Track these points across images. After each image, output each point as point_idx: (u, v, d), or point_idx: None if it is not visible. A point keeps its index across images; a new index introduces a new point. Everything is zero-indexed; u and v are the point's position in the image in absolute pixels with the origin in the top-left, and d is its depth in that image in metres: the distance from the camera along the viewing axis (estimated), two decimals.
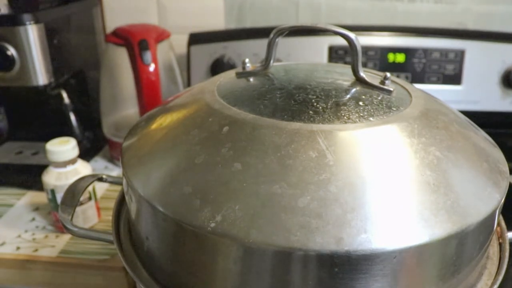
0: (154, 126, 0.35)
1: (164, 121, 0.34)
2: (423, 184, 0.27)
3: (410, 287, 0.26)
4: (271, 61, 0.38)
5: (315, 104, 0.32)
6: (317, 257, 0.24)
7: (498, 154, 0.33)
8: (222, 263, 0.26)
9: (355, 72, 0.36)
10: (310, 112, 0.31)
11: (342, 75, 0.38)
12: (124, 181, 0.33)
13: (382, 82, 0.35)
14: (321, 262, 0.24)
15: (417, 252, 0.25)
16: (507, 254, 0.33)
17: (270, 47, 0.37)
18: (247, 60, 0.38)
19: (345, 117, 0.30)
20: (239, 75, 0.38)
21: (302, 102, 0.32)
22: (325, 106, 0.31)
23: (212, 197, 0.26)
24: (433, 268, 0.26)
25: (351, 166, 0.27)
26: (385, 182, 0.26)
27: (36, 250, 0.55)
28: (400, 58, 0.72)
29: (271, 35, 0.36)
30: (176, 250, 0.29)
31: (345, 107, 0.31)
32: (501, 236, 0.35)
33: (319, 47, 0.72)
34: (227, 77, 0.39)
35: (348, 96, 0.34)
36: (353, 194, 0.25)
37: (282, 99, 0.33)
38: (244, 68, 0.38)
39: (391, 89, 0.34)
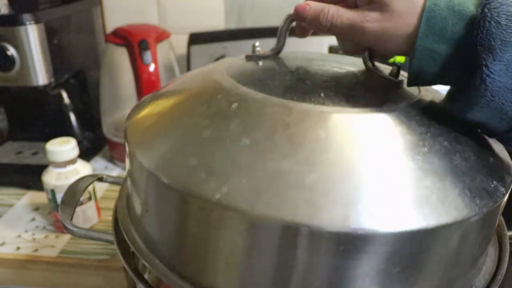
0: (160, 102, 0.34)
1: (171, 97, 0.34)
2: (431, 171, 0.26)
3: (412, 270, 0.26)
4: (282, 47, 0.38)
5: (325, 88, 0.32)
6: (323, 234, 0.24)
7: (503, 152, 0.33)
8: (226, 237, 0.26)
9: (366, 62, 0.36)
10: (321, 94, 0.30)
11: (353, 65, 0.38)
12: (127, 154, 0.32)
13: (392, 74, 0.35)
14: (327, 240, 0.24)
15: (421, 236, 0.25)
16: (507, 254, 0.33)
17: (282, 33, 0.37)
18: (257, 43, 0.38)
19: (355, 102, 0.30)
20: (248, 58, 0.38)
21: (312, 86, 0.32)
22: (335, 91, 0.31)
23: (218, 169, 0.26)
24: (434, 255, 0.26)
25: (361, 148, 0.26)
26: (394, 166, 0.26)
27: (36, 250, 0.55)
28: (400, 58, 0.72)
29: (283, 22, 0.36)
30: (179, 224, 0.28)
31: (356, 93, 0.31)
32: (501, 236, 0.35)
33: (319, 47, 0.72)
34: (237, 60, 0.38)
35: (359, 83, 0.33)
36: (361, 175, 0.25)
37: (293, 82, 0.33)
38: (254, 51, 0.38)
39: (402, 79, 0.34)
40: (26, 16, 0.61)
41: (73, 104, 0.73)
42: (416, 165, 0.27)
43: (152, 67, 0.66)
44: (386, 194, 0.25)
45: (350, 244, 0.24)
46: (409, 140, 0.28)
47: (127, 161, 0.33)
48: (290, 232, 0.24)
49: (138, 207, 0.32)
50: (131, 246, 0.32)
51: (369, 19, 0.29)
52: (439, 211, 0.25)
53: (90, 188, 0.58)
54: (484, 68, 0.26)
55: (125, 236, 0.33)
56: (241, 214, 0.24)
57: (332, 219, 0.24)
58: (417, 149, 0.27)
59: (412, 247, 0.25)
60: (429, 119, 0.30)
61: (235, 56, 0.40)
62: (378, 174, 0.26)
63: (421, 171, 0.26)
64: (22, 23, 0.60)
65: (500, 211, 0.29)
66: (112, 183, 0.44)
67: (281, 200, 0.24)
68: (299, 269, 0.25)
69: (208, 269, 0.28)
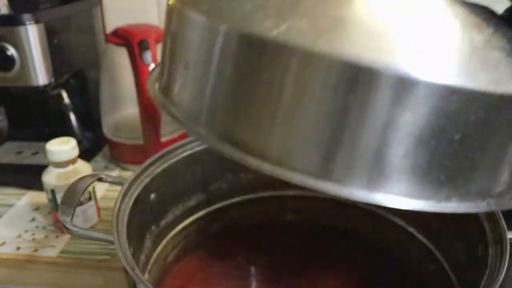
0: None
1: None
2: (497, 47, 0.25)
3: (473, 144, 0.25)
4: None
5: None
6: (384, 78, 0.22)
7: None
8: (283, 79, 0.24)
9: None
10: None
11: None
12: (168, 16, 0.31)
13: None
14: (387, 85, 0.23)
15: (488, 101, 0.23)
16: (507, 254, 0.33)
17: None
18: None
19: None
20: None
21: None
22: None
23: (276, 12, 0.25)
24: (498, 132, 0.25)
25: (429, 13, 0.26)
26: (462, 32, 0.26)
27: (36, 250, 0.55)
28: None
29: None
30: (226, 75, 0.26)
31: None
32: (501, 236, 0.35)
33: None
34: None
35: None
36: (429, 32, 0.25)
37: None
38: None
39: None
40: (26, 16, 0.60)
41: (73, 104, 0.73)
42: (483, 38, 0.26)
43: (152, 67, 0.66)
44: (455, 50, 0.24)
45: (412, 93, 0.22)
46: (473, 20, 0.27)
47: (167, 23, 0.31)
48: (350, 74, 0.23)
49: (176, 74, 0.30)
50: (172, 115, 0.30)
51: None
52: (509, 80, 0.24)
53: (90, 188, 0.58)
54: None
55: (161, 109, 0.31)
56: (300, 52, 0.23)
57: (396, 63, 0.22)
58: (483, 28, 0.26)
59: (477, 113, 0.23)
60: (492, 15, 0.29)
61: None
62: (447, 33, 0.25)
63: (488, 43, 0.25)
64: (22, 23, 0.60)
65: None
66: (112, 183, 0.44)
67: (344, 40, 0.23)
68: (353, 118, 0.24)
69: (260, 127, 0.26)
